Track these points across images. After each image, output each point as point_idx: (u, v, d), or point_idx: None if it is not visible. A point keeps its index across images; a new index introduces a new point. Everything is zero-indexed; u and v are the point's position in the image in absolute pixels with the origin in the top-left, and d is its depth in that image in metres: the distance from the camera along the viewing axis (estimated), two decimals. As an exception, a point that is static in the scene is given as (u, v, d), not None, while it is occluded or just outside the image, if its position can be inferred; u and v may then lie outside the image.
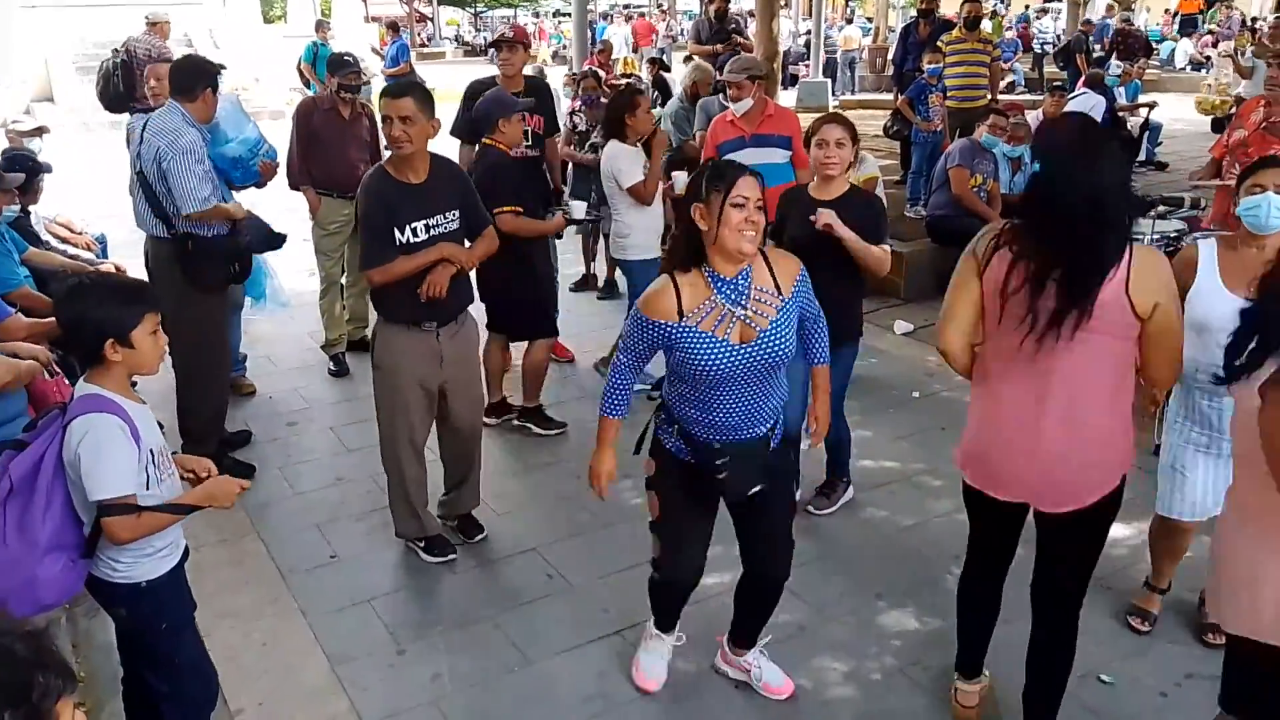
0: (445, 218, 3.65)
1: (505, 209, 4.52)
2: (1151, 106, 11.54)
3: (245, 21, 18.50)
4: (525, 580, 3.87)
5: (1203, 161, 5.89)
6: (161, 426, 2.57)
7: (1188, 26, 25.90)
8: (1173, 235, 5.13)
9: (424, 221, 3.59)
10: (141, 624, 2.54)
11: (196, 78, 4.28)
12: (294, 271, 6.91)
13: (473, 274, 3.93)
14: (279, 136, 5.54)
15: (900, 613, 3.63)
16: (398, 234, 3.55)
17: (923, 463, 4.71)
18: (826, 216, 3.73)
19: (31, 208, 5.33)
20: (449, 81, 6.04)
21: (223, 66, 4.45)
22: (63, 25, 15.06)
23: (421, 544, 4.00)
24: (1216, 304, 2.99)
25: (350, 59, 6.11)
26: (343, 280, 6.14)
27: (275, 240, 4.80)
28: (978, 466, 2.74)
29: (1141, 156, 11.08)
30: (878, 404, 5.28)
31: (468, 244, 3.82)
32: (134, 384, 2.57)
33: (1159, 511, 3.42)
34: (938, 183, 7.17)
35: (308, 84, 12.54)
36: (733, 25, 10.11)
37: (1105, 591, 3.71)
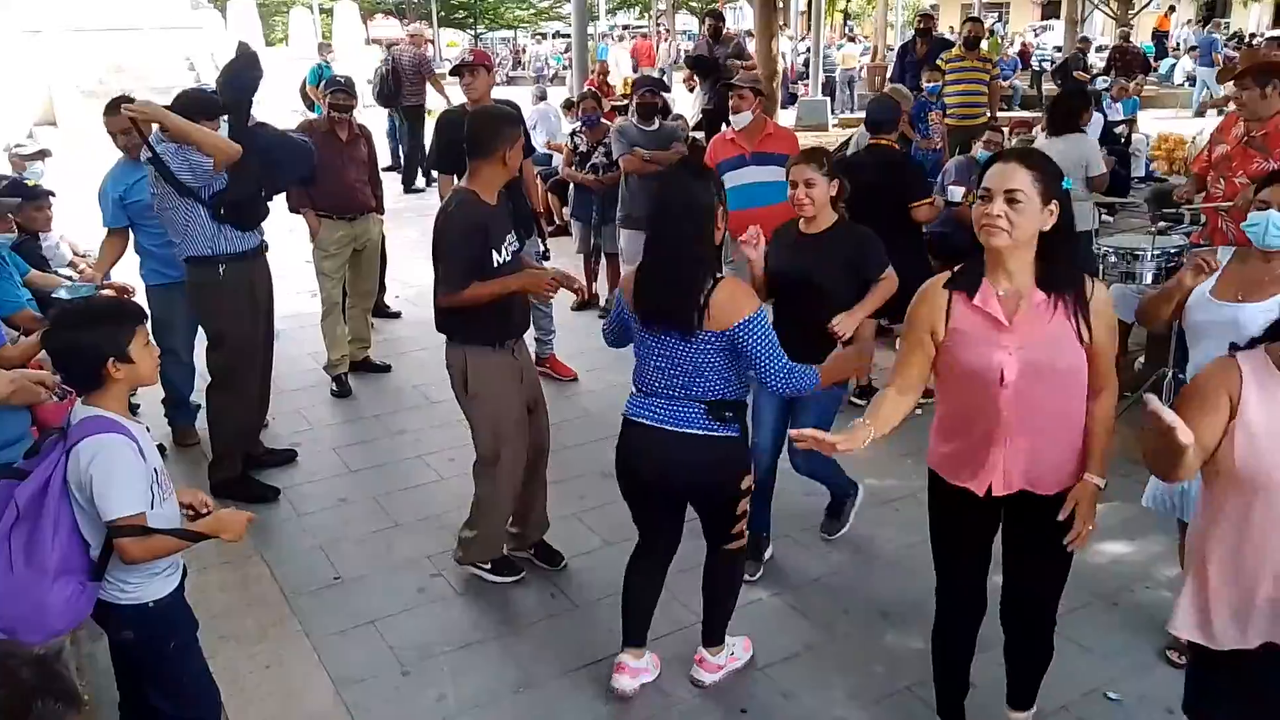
0: (514, 236, 3.75)
1: (923, 201, 5.27)
2: (1132, 122, 11.63)
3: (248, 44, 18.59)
4: (530, 601, 3.86)
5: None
6: (163, 450, 2.58)
7: (1161, 47, 25.83)
8: (1174, 251, 5.14)
9: (507, 242, 3.68)
10: (149, 645, 2.53)
11: (193, 111, 4.27)
12: (294, 293, 6.93)
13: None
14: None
15: (906, 631, 3.61)
16: (495, 255, 3.62)
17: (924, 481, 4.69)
18: (844, 324, 3.64)
19: (42, 234, 5.34)
20: (451, 102, 6.10)
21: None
22: (67, 50, 15.13)
23: (488, 566, 3.96)
24: (1199, 310, 3.13)
25: (341, 80, 6.15)
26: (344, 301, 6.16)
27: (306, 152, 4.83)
28: None
29: (1140, 173, 11.12)
30: (881, 421, 5.26)
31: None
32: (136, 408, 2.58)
33: (1179, 518, 3.42)
34: (937, 200, 7.18)
35: (312, 106, 12.60)
36: (733, 46, 10.14)
37: (1112, 608, 3.70)
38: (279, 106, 16.26)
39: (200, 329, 4.82)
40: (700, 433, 2.96)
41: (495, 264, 3.61)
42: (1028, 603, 2.86)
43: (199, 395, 5.00)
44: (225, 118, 4.38)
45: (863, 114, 19.43)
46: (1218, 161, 4.88)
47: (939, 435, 2.81)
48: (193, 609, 2.68)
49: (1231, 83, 4.76)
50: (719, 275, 2.92)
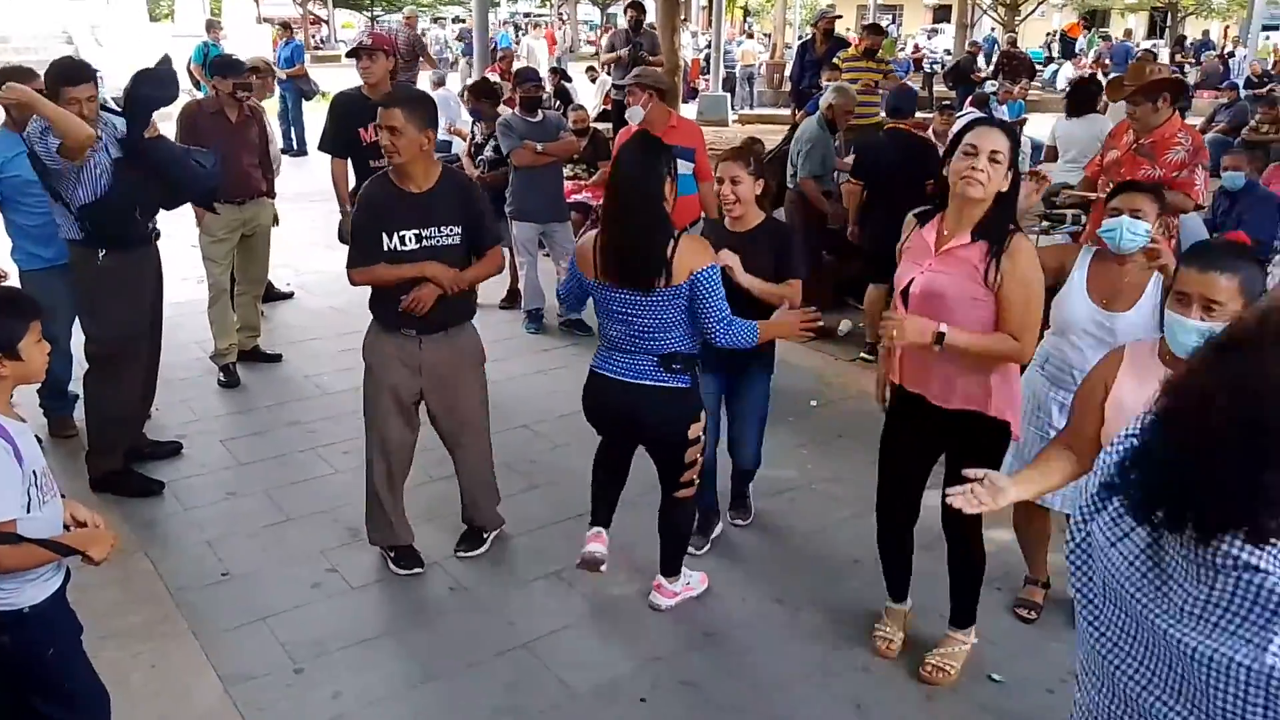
0: (441, 231, 3.58)
1: None
2: (1021, 124, 12.08)
3: (130, 19, 17.83)
4: (427, 594, 3.81)
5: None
6: (40, 441, 2.46)
7: (1068, 49, 27.31)
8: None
9: (415, 231, 3.55)
10: (27, 652, 2.40)
11: (60, 79, 4.06)
12: (180, 279, 6.68)
13: None
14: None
15: (801, 618, 3.69)
16: (385, 239, 3.54)
17: (822, 470, 4.81)
18: (727, 258, 3.77)
19: None
20: (344, 85, 5.94)
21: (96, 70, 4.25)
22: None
23: (392, 553, 3.92)
24: (1076, 307, 3.34)
25: (233, 59, 5.95)
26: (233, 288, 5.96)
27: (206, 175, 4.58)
28: None
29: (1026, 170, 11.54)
30: (777, 412, 5.33)
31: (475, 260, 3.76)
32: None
33: None
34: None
35: (198, 85, 12.16)
36: (649, 40, 10.22)
37: (995, 593, 3.84)
38: (164, 85, 15.71)
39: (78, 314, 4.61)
40: (651, 383, 3.31)
41: (386, 249, 3.55)
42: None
43: (77, 384, 4.79)
44: (121, 120, 4.22)
45: (762, 110, 19.77)
46: (1108, 166, 5.09)
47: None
48: (74, 609, 2.57)
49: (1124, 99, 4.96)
50: (678, 233, 3.23)
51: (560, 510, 4.35)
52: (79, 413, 4.81)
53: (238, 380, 5.80)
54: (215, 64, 6.00)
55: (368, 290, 3.73)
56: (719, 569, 3.99)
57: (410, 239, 3.55)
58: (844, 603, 3.75)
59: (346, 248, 3.77)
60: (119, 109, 4.35)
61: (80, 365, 4.64)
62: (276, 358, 6.14)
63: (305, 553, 4.05)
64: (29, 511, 2.27)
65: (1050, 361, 3.48)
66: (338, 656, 3.43)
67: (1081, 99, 7.48)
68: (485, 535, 4.09)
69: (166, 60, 4.50)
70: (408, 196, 3.55)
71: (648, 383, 3.32)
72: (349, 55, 5.57)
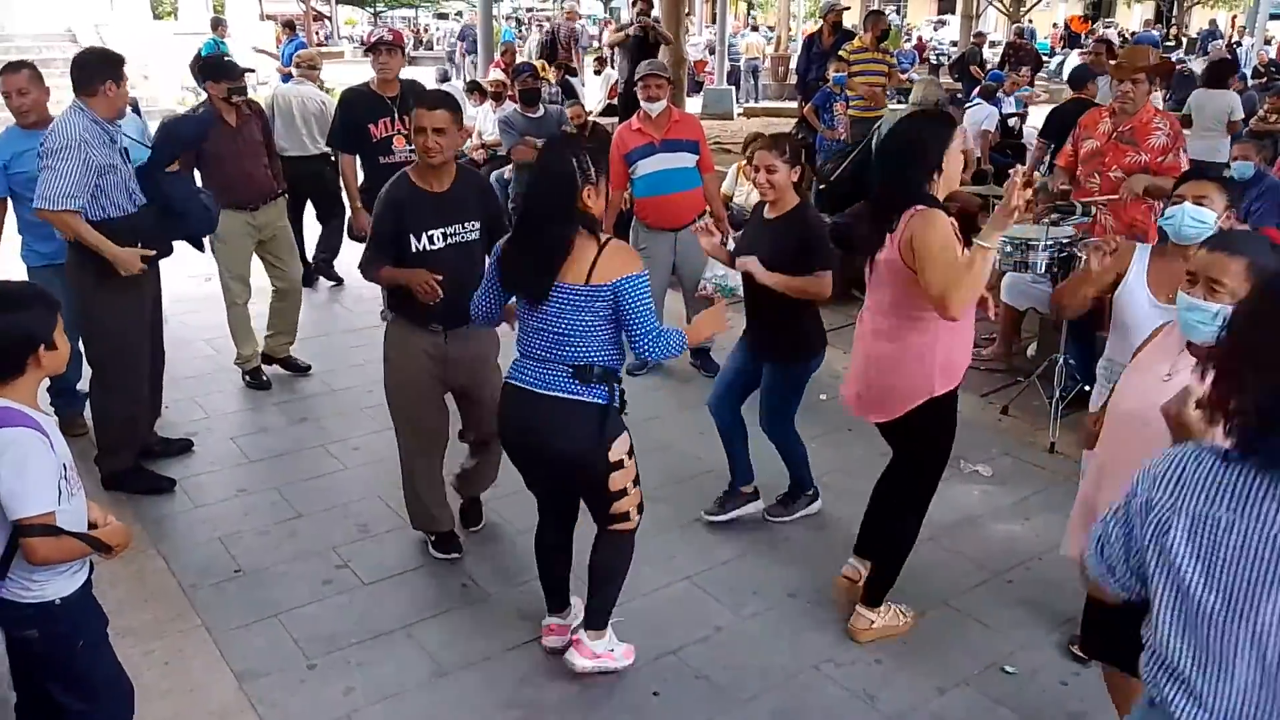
0: (464, 228, 3.64)
1: None
2: (1023, 116, 12.04)
3: (134, 17, 17.86)
4: (439, 589, 3.82)
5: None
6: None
7: (1073, 43, 27.39)
8: (1065, 241, 5.32)
9: (441, 230, 3.59)
10: (56, 644, 2.42)
11: (95, 72, 4.11)
12: (185, 277, 6.67)
13: None
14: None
15: (813, 610, 3.69)
16: (413, 241, 3.56)
17: (831, 464, 4.80)
18: (747, 264, 3.80)
19: None
20: (347, 81, 5.98)
21: (122, 58, 4.29)
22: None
23: (433, 538, 4.02)
24: (1139, 309, 3.11)
25: (230, 63, 5.82)
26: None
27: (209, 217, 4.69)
28: None
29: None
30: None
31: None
32: None
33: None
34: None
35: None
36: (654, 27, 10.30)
37: (1006, 585, 3.84)
38: (168, 85, 15.72)
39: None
40: (563, 395, 2.99)
41: (414, 250, 3.55)
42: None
43: (86, 383, 4.80)
44: (131, 114, 4.28)
45: (767, 103, 19.71)
46: (1088, 157, 5.05)
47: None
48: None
49: (1127, 79, 4.92)
50: (606, 238, 3.01)
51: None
52: (88, 411, 4.82)
53: (268, 383, 5.71)
54: (204, 68, 5.77)
55: (375, 285, 3.75)
56: (729, 561, 3.99)
57: (437, 238, 3.60)
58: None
59: (355, 244, 3.79)
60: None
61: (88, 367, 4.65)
62: (306, 368, 5.99)
63: (317, 549, 4.06)
64: (59, 504, 2.30)
65: (1113, 365, 3.24)
66: (350, 652, 3.44)
67: (1218, 73, 8.92)
68: (481, 503, 4.23)
69: (209, 111, 4.67)
70: (431, 196, 3.59)
71: (558, 394, 2.98)
72: (368, 51, 5.54)
